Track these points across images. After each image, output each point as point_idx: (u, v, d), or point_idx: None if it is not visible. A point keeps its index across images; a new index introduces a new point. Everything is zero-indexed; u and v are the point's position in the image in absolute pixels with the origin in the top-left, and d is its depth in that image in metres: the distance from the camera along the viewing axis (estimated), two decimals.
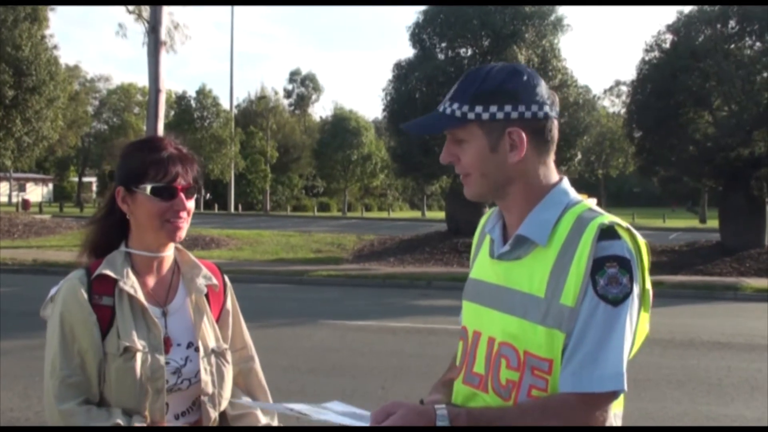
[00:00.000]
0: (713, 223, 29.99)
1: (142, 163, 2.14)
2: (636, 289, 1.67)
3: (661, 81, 21.97)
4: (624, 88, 55.38)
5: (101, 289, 2.13)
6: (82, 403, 2.07)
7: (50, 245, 23.74)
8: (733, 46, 22.08)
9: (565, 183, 1.84)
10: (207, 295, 2.30)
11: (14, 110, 28.63)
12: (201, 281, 2.28)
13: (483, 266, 1.92)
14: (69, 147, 60.85)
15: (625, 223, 1.72)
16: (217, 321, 2.33)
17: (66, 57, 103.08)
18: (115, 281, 2.14)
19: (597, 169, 71.98)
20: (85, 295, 2.11)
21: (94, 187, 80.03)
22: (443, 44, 25.62)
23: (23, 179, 72.74)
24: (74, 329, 2.09)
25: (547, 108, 1.77)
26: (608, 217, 1.72)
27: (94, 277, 2.14)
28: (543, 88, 1.77)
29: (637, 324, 1.71)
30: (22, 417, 6.44)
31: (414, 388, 7.05)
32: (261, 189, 63.56)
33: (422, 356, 9.19)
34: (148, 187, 2.12)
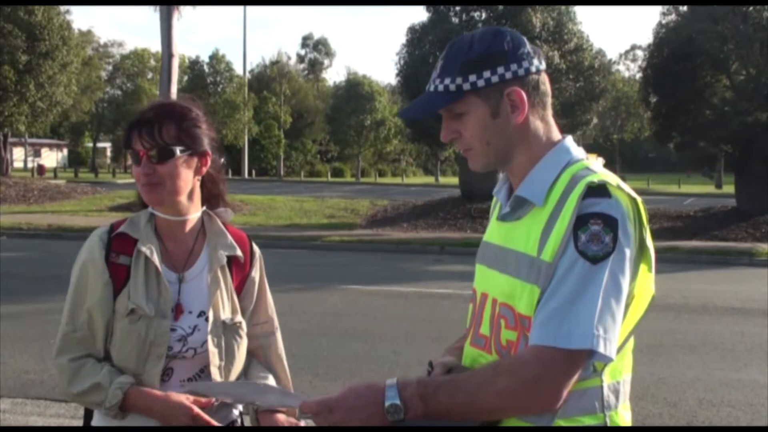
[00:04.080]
0: (729, 188, 29.80)
1: (126, 128, 2.17)
2: (627, 252, 1.61)
3: (679, 45, 21.71)
4: (640, 53, 54.82)
5: (120, 247, 2.15)
6: (79, 358, 2.09)
7: (65, 210, 23.89)
8: (751, 8, 21.74)
9: (568, 141, 1.80)
10: (230, 265, 2.27)
11: (28, 75, 28.67)
12: (223, 251, 2.25)
13: (491, 228, 1.91)
14: (83, 112, 60.90)
15: (617, 183, 1.67)
16: (240, 292, 2.29)
17: (78, 22, 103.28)
18: (135, 241, 2.15)
19: (612, 134, 71.60)
20: (102, 252, 2.13)
21: (109, 153, 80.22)
22: (457, 7, 25.37)
23: (38, 145, 72.97)
24: (87, 285, 2.12)
25: (536, 62, 1.75)
26: (601, 176, 1.67)
27: (115, 234, 2.16)
28: (527, 44, 1.75)
29: (632, 286, 1.65)
30: (38, 380, 6.51)
31: (425, 353, 7.07)
32: (275, 154, 63.53)
33: (434, 321, 9.21)
34: (128, 153, 2.17)
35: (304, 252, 16.89)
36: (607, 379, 1.69)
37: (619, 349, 1.67)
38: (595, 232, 1.59)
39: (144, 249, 2.14)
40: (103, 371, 2.07)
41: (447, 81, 1.73)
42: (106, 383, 2.05)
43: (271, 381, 2.32)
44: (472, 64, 1.71)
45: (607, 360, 1.59)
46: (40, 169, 51.34)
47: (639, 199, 1.68)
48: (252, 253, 2.35)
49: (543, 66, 1.77)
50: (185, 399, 2.07)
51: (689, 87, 21.93)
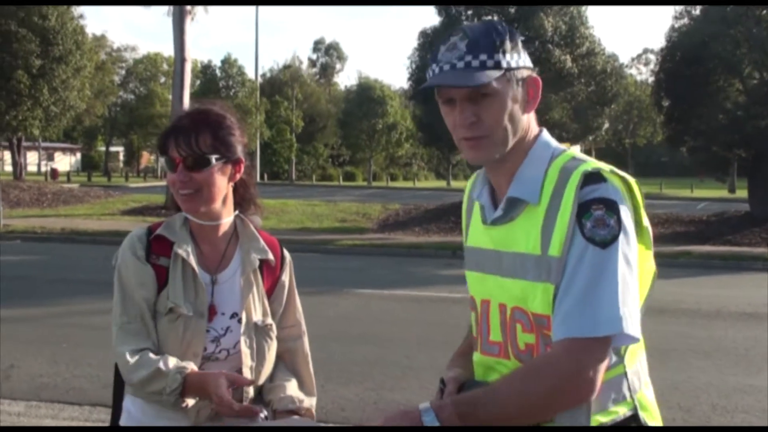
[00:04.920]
0: (742, 192, 29.63)
1: (161, 135, 2.20)
2: (630, 231, 1.62)
3: (691, 48, 21.63)
4: (652, 57, 54.69)
5: (159, 249, 2.19)
6: (139, 350, 2.11)
7: (78, 214, 24.01)
8: (765, 11, 21.65)
9: (545, 134, 1.79)
10: (261, 269, 2.31)
11: (41, 80, 28.83)
12: (255, 254, 2.29)
13: (477, 233, 1.87)
14: (96, 116, 61.14)
15: (609, 168, 1.67)
16: (270, 295, 2.34)
17: (92, 27, 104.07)
18: (171, 243, 2.19)
19: (624, 139, 71.38)
20: (142, 252, 2.18)
21: (122, 157, 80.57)
22: (469, 11, 25.39)
23: (51, 149, 73.38)
24: (131, 283, 2.16)
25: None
26: (592, 164, 1.67)
27: (153, 236, 2.21)
28: None
29: (638, 265, 1.65)
30: (51, 383, 6.54)
31: (437, 357, 7.06)
32: (287, 158, 63.64)
33: (446, 325, 9.19)
34: (163, 159, 2.19)
35: (315, 256, 16.89)
36: (628, 364, 1.70)
37: None
38: (599, 217, 1.59)
39: (181, 251, 2.18)
40: (164, 358, 2.09)
41: (483, 57, 1.64)
42: (166, 369, 2.06)
43: (294, 384, 2.34)
44: (507, 44, 1.67)
45: (634, 341, 1.60)
46: (54, 173, 51.64)
47: (632, 180, 1.68)
48: (283, 258, 2.40)
49: None
50: (226, 386, 2.03)
51: (702, 91, 21.84)
